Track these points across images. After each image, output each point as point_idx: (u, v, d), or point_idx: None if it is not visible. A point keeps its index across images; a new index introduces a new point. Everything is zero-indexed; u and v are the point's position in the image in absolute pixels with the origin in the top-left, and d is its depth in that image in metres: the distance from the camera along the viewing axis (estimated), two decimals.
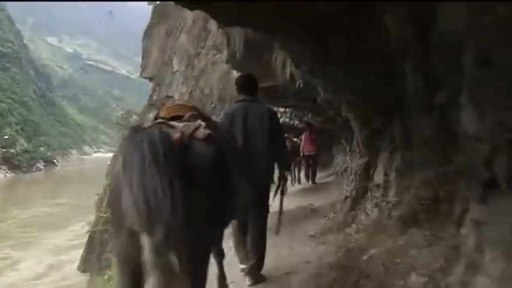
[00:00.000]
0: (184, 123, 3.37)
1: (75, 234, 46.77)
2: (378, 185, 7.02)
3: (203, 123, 3.39)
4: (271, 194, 5.89)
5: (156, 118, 3.67)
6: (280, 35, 5.90)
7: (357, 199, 7.85)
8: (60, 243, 44.93)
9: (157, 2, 55.10)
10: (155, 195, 2.44)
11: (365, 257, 5.31)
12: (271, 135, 5.39)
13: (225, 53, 26.88)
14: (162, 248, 2.40)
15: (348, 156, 14.02)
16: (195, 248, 2.88)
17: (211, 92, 29.22)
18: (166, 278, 2.40)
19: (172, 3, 5.20)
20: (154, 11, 53.17)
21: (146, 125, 3.23)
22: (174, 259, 2.43)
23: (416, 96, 5.00)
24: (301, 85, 8.53)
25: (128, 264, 2.81)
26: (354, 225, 7.25)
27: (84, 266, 39.88)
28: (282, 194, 6.04)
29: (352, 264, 5.36)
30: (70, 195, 67.40)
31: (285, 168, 5.93)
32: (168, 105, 4.00)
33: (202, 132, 3.22)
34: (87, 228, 41.38)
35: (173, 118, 3.55)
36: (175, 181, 2.54)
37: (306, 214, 10.11)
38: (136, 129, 2.88)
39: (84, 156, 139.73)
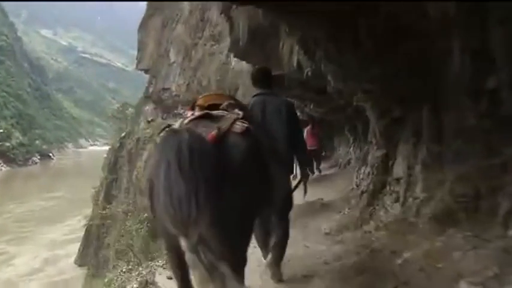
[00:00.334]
0: (223, 112, 3.43)
1: (71, 228, 46.94)
2: (398, 179, 6.51)
3: (240, 113, 3.44)
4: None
5: (193, 107, 3.70)
6: (292, 18, 5.45)
7: (375, 194, 7.26)
8: (56, 238, 45.00)
9: None
10: (179, 203, 2.47)
11: (399, 261, 4.77)
12: (289, 129, 5.22)
13: (225, 42, 26.71)
14: (197, 249, 2.60)
15: (352, 148, 13.49)
16: (233, 241, 3.07)
17: (209, 84, 28.67)
18: (206, 275, 2.60)
19: None
20: (149, 2, 52.66)
21: (182, 124, 3.29)
22: (211, 257, 2.67)
23: (461, 80, 4.44)
24: (309, 73, 7.84)
25: (175, 250, 2.95)
26: (372, 222, 6.71)
27: (81, 260, 39.88)
28: (305, 191, 5.93)
29: (383, 267, 4.84)
30: (66, 189, 67.60)
31: (304, 163, 5.67)
32: (205, 94, 3.98)
33: (240, 126, 3.21)
34: (83, 222, 41.49)
35: (210, 106, 3.59)
36: (202, 187, 2.54)
37: (316, 209, 9.39)
38: (169, 133, 2.85)
39: (80, 150, 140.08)
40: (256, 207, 3.45)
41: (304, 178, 5.70)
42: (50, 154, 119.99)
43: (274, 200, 4.13)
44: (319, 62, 6.64)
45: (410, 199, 5.89)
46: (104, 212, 32.83)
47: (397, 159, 6.61)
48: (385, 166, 7.03)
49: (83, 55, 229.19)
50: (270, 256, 5.40)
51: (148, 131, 38.03)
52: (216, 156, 2.81)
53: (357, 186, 9.90)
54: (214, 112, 3.41)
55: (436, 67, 4.69)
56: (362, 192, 8.11)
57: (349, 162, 13.64)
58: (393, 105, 6.20)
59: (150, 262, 10.91)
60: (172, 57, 41.50)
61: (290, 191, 5.42)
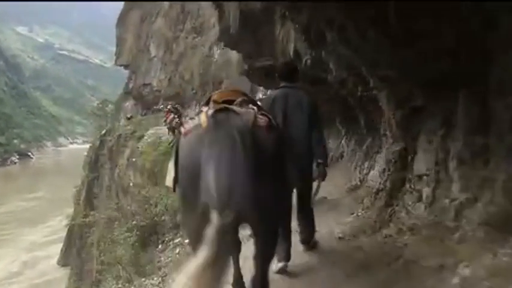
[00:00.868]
0: (240, 107, 3.62)
1: (53, 229, 46.37)
2: (420, 176, 5.82)
3: (255, 109, 3.70)
4: None
5: (208, 102, 3.92)
6: None
7: (393, 192, 6.45)
8: (37, 240, 44.37)
9: None
10: (229, 178, 2.79)
11: (455, 279, 3.92)
12: (310, 123, 5.41)
13: (207, 34, 26.27)
14: (226, 230, 2.71)
15: (343, 141, 12.98)
16: (266, 220, 3.38)
17: (192, 77, 28.23)
18: (217, 256, 2.58)
19: None
20: None
21: (210, 109, 3.49)
22: (226, 247, 2.76)
23: None
24: (308, 62, 7.32)
25: (198, 232, 2.93)
26: (392, 225, 5.96)
27: (64, 260, 39.32)
28: (317, 190, 5.92)
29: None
30: (47, 188, 66.80)
31: (320, 155, 5.64)
32: (219, 90, 4.27)
33: (262, 119, 3.52)
34: (65, 222, 40.91)
35: (224, 102, 3.74)
36: (246, 169, 2.88)
37: (324, 210, 8.00)
38: (216, 122, 3.22)
39: (60, 148, 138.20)
40: (283, 191, 3.79)
41: (321, 177, 5.70)
42: (29, 153, 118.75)
43: (296, 187, 4.81)
44: (320, 49, 6.16)
45: (446, 200, 5.04)
46: (87, 219, 32.51)
47: (417, 154, 5.97)
48: (403, 161, 6.39)
49: (60, 52, 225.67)
50: (302, 236, 5.85)
51: (129, 127, 37.34)
52: (254, 143, 3.14)
53: (360, 182, 9.24)
54: (234, 107, 3.58)
55: (484, 42, 4.07)
56: (377, 191, 7.29)
57: (341, 155, 13.07)
58: (415, 92, 5.54)
59: (143, 279, 10.31)
60: (153, 51, 41.02)
61: (304, 184, 5.56)
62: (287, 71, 5.84)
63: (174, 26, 34.07)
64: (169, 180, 3.71)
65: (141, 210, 13.59)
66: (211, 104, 3.78)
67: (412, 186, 5.99)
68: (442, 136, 5.23)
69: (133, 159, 27.81)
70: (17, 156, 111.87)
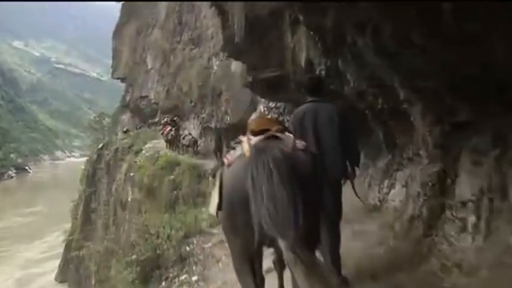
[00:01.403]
0: (280, 134, 3.90)
1: (49, 245, 46.22)
2: (463, 203, 5.05)
3: (291, 136, 3.98)
4: None
5: (245, 131, 4.14)
6: None
7: (432, 221, 5.59)
8: (33, 257, 43.72)
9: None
10: (282, 207, 2.99)
11: None
12: (341, 136, 5.40)
13: (205, 45, 25.75)
14: (295, 249, 2.92)
15: None
16: (313, 239, 3.62)
17: (190, 89, 27.63)
18: (306, 270, 2.86)
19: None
20: (123, 9, 51.86)
21: (259, 141, 3.75)
22: (308, 254, 3.03)
23: None
24: (322, 72, 6.71)
25: (247, 254, 3.61)
26: (434, 260, 5.14)
27: (62, 276, 38.75)
28: (355, 192, 5.98)
29: None
30: (44, 203, 66.41)
31: (354, 162, 5.72)
32: (255, 119, 4.45)
33: (300, 143, 3.80)
34: (62, 238, 41.22)
35: (262, 131, 3.97)
36: (297, 194, 3.07)
37: (346, 236, 6.36)
38: (259, 148, 3.46)
39: (57, 162, 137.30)
40: (319, 210, 3.90)
41: (351, 176, 5.71)
42: (26, 167, 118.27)
43: (326, 206, 4.51)
44: (337, 57, 5.61)
45: (509, 236, 4.24)
46: (81, 252, 32.33)
47: (460, 177, 5.21)
48: (442, 185, 5.58)
49: (57, 65, 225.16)
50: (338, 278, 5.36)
51: (126, 141, 36.90)
52: (296, 166, 3.36)
53: (380, 201, 8.49)
54: (276, 134, 3.87)
55: None
56: (412, 218, 6.34)
57: None
58: (459, 106, 4.80)
59: None
60: (150, 63, 40.54)
61: (332, 197, 5.40)
62: (314, 85, 5.78)
63: (171, 38, 33.57)
64: (213, 208, 3.85)
65: (141, 240, 12.17)
66: (249, 134, 4.00)
67: (454, 214, 5.26)
68: (496, 157, 4.55)
69: (131, 174, 27.30)
70: (14, 171, 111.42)
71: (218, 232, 9.06)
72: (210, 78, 24.29)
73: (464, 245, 4.82)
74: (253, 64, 10.21)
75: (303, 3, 4.93)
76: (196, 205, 18.37)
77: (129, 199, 26.85)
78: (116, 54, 52.50)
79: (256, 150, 3.45)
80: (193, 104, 27.78)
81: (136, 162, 27.96)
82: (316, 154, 4.18)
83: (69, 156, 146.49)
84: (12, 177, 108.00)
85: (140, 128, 43.32)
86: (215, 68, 23.80)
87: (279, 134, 3.84)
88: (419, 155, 6.63)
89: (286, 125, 5.34)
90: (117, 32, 52.11)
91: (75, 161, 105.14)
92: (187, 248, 9.19)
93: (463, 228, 4.95)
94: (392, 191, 8.12)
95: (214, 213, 3.88)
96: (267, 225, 2.97)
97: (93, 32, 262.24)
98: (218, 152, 23.24)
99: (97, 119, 69.25)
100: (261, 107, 18.34)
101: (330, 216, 5.34)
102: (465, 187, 5.07)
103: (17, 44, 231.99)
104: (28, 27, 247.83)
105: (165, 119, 29.79)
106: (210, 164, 21.18)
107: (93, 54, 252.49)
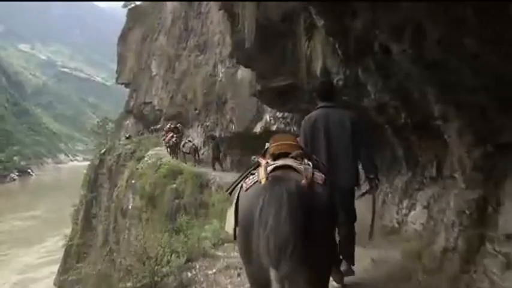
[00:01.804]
0: (298, 162, 3.75)
1: (47, 250, 45.97)
2: (508, 236, 4.37)
3: (310, 164, 3.75)
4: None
5: (265, 153, 4.07)
6: None
7: (469, 255, 4.83)
8: (31, 262, 43.32)
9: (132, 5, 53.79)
10: (281, 239, 2.91)
11: None
12: (354, 140, 5.34)
13: (211, 52, 25.31)
14: (285, 281, 3.06)
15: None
16: (318, 273, 3.45)
17: (195, 97, 27.22)
18: None
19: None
20: (129, 15, 51.81)
21: (269, 164, 3.72)
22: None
23: None
24: (339, 82, 6.23)
25: (261, 280, 3.34)
26: None
27: (61, 281, 38.16)
28: (373, 213, 5.84)
29: None
30: (45, 207, 66.44)
31: (369, 170, 5.55)
32: (276, 142, 4.19)
33: (320, 176, 3.60)
34: (62, 243, 40.85)
35: (281, 155, 3.92)
36: (301, 229, 2.99)
37: (365, 266, 6.17)
38: (275, 178, 3.39)
39: (60, 165, 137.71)
40: (329, 244, 3.69)
41: (372, 190, 5.63)
42: (29, 170, 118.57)
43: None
44: (357, 66, 5.10)
45: None
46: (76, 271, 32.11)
47: (503, 205, 4.49)
48: (482, 214, 4.84)
49: (62, 69, 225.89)
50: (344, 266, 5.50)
51: (129, 147, 36.51)
52: (310, 203, 3.21)
53: (399, 224, 7.83)
54: (294, 163, 3.68)
55: None
56: (445, 250, 5.51)
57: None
58: (509, 124, 4.11)
59: None
60: (154, 69, 40.18)
61: (343, 202, 5.32)
62: (325, 90, 5.68)
63: (176, 44, 33.24)
64: (228, 227, 3.83)
65: (138, 263, 10.93)
66: (268, 156, 3.95)
67: (497, 248, 4.53)
68: None
69: (133, 181, 26.85)
70: (17, 173, 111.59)
71: (223, 255, 8.35)
72: (216, 85, 23.96)
73: (509, 285, 4.18)
74: (263, 72, 9.68)
75: (327, 4, 4.40)
76: (198, 216, 17.96)
77: (130, 207, 26.50)
78: (121, 60, 52.28)
79: (272, 179, 3.39)
80: (197, 111, 27.41)
81: (138, 169, 27.55)
82: (332, 189, 3.82)
83: (72, 160, 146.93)
84: (14, 179, 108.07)
85: (142, 134, 42.94)
86: (221, 75, 23.47)
87: (297, 165, 3.66)
88: (452, 177, 5.83)
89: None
90: (123, 37, 51.91)
91: (78, 165, 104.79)
92: (189, 274, 8.41)
93: (508, 265, 4.29)
94: (412, 213, 7.51)
95: (230, 232, 3.81)
96: (263, 255, 2.97)
97: (99, 37, 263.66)
98: (215, 160, 23.56)
99: (100, 123, 68.98)
100: (267, 117, 17.95)
101: (341, 226, 5.28)
102: (510, 218, 4.43)
103: (23, 47, 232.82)
104: (35, 31, 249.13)
105: (167, 126, 29.44)
106: (212, 173, 20.82)
107: (98, 59, 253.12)
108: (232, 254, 7.89)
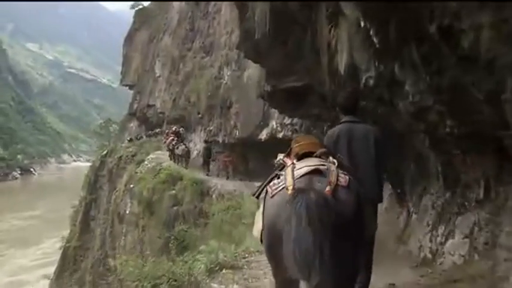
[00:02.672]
0: (324, 163, 3.62)
1: (44, 252, 45.76)
2: None
3: (335, 162, 3.67)
4: None
5: (289, 154, 4.00)
6: None
7: None
8: (25, 263, 42.98)
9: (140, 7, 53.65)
10: (307, 253, 2.88)
11: None
12: (377, 158, 5.13)
13: (217, 53, 24.55)
14: None
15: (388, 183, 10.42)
16: (344, 284, 3.39)
17: (199, 100, 26.58)
18: None
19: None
20: (136, 16, 51.48)
21: (294, 177, 3.47)
22: None
23: None
24: (369, 81, 5.28)
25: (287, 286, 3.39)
26: None
27: (57, 283, 38.12)
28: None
29: None
30: (45, 207, 66.23)
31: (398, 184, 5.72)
32: (299, 142, 4.08)
33: (343, 178, 3.44)
34: (59, 244, 40.77)
35: (305, 154, 3.83)
36: (325, 241, 2.92)
37: None
38: (301, 188, 3.26)
39: (63, 165, 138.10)
40: (357, 251, 3.56)
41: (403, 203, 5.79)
42: (32, 169, 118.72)
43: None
44: (395, 60, 4.14)
45: None
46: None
47: None
48: None
49: (69, 70, 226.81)
50: None
51: (130, 149, 35.82)
52: (334, 212, 3.10)
53: (433, 254, 6.38)
54: (321, 167, 3.52)
55: None
56: None
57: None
58: None
59: None
60: (158, 70, 39.53)
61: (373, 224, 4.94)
62: (349, 104, 5.39)
63: (181, 45, 32.82)
64: (256, 231, 3.75)
65: None
66: (292, 157, 3.87)
67: None
68: None
69: (131, 186, 26.07)
70: (19, 172, 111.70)
71: None
72: (220, 89, 23.38)
73: None
74: (275, 69, 8.58)
75: None
76: (197, 225, 17.30)
77: (127, 211, 25.80)
78: (126, 61, 51.96)
79: (298, 189, 3.24)
80: (200, 115, 26.81)
81: (137, 173, 26.84)
82: (361, 189, 3.69)
83: (75, 161, 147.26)
84: (16, 178, 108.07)
85: (140, 138, 42.20)
86: (226, 78, 22.87)
87: (323, 166, 3.52)
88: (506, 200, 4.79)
89: None
90: (129, 38, 51.57)
91: (81, 165, 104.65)
92: None
93: None
94: (450, 241, 6.15)
95: (258, 236, 3.73)
96: (291, 268, 2.94)
97: (107, 39, 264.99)
98: (205, 165, 23.96)
99: (103, 125, 68.77)
100: (273, 123, 17.20)
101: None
102: None
103: (31, 46, 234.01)
104: (43, 31, 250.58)
105: (172, 129, 29.00)
106: (213, 180, 20.15)
107: (105, 61, 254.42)
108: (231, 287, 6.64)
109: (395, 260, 6.27)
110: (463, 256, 5.51)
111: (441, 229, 6.48)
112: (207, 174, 22.69)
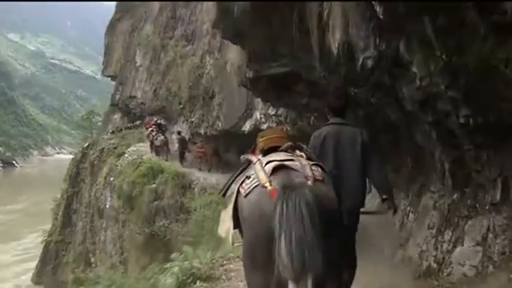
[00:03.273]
0: (292, 156, 3.72)
1: (24, 247, 45.37)
2: None
3: (303, 155, 3.86)
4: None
5: (254, 150, 4.13)
6: None
7: None
8: (5, 260, 42.04)
9: None
10: (309, 252, 2.88)
11: None
12: (364, 163, 5.05)
13: (199, 42, 23.90)
14: None
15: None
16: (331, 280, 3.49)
17: (180, 90, 26.08)
18: None
19: None
20: (118, 5, 50.44)
21: (267, 173, 3.45)
22: None
23: None
24: (367, 63, 4.53)
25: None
26: None
27: (38, 277, 38.01)
28: None
29: None
30: (27, 201, 65.88)
31: (384, 191, 5.21)
32: (264, 137, 4.10)
33: (318, 172, 3.56)
34: (41, 239, 40.26)
35: (270, 149, 3.89)
36: (322, 237, 2.98)
37: None
38: (286, 186, 3.19)
39: (46, 158, 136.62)
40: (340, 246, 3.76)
41: (394, 211, 5.30)
42: (14, 162, 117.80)
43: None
44: (399, 38, 3.47)
45: None
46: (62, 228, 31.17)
47: None
48: None
49: (52, 61, 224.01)
50: None
51: (112, 141, 35.15)
52: (324, 206, 3.25)
53: (439, 264, 5.65)
54: (290, 163, 3.53)
55: None
56: None
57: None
58: None
59: None
60: (139, 60, 38.64)
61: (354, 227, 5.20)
62: (341, 105, 5.39)
63: (162, 33, 32.14)
64: (223, 231, 3.30)
65: None
66: (257, 152, 3.95)
67: None
68: None
69: (111, 179, 25.53)
70: (1, 164, 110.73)
71: None
72: (203, 78, 22.83)
73: None
74: (257, 52, 7.78)
75: None
76: (179, 221, 16.97)
77: (107, 206, 25.32)
78: (108, 51, 51.07)
79: (283, 187, 3.18)
80: (182, 106, 26.30)
81: (117, 166, 26.30)
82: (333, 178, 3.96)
83: (58, 153, 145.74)
84: None
85: (120, 130, 41.50)
86: (208, 67, 22.31)
87: (291, 161, 3.55)
88: None
89: None
90: (111, 28, 50.52)
91: (64, 158, 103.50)
92: None
93: None
94: (458, 248, 5.48)
95: (227, 236, 3.72)
96: (286, 269, 2.87)
97: (90, 30, 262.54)
98: (180, 157, 24.58)
99: (85, 117, 68.00)
100: (257, 114, 16.66)
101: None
102: None
103: (12, 36, 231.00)
104: (25, 21, 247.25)
105: (153, 120, 28.58)
106: (196, 173, 19.80)
107: (89, 52, 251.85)
108: None
109: (393, 268, 5.66)
110: (474, 267, 4.85)
111: (447, 234, 5.78)
112: (182, 166, 23.04)
